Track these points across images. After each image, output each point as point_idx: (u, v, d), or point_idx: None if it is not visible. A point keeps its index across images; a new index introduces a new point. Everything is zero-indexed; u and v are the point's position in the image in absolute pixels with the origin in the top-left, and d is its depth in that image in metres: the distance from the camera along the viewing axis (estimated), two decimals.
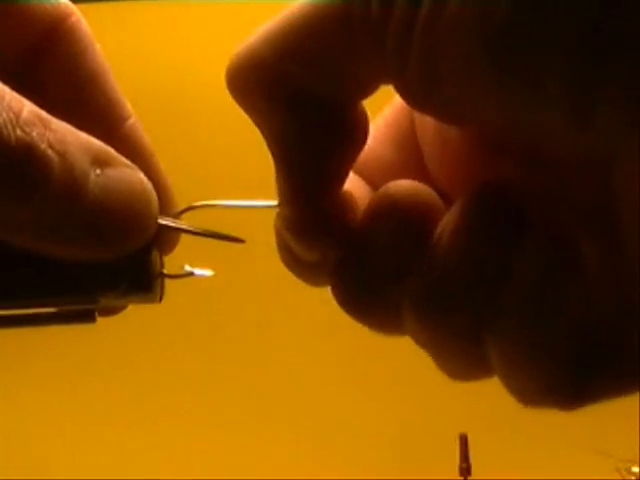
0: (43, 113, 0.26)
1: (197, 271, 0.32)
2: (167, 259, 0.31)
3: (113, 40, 1.13)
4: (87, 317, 0.30)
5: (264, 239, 1.16)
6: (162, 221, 0.29)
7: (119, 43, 1.30)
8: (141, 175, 0.28)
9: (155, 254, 0.30)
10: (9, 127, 0.24)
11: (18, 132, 0.25)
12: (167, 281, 0.30)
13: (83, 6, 0.33)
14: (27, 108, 0.25)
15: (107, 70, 0.32)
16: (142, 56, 1.33)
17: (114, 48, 0.39)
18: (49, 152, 0.25)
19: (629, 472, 1.10)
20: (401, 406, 1.28)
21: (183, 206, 0.32)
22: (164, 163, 0.32)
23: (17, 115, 0.25)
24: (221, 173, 1.30)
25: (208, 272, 0.32)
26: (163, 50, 1.34)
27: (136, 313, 0.34)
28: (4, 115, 0.24)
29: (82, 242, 0.27)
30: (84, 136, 0.27)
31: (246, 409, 1.29)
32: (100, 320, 0.30)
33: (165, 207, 0.30)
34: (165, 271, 0.30)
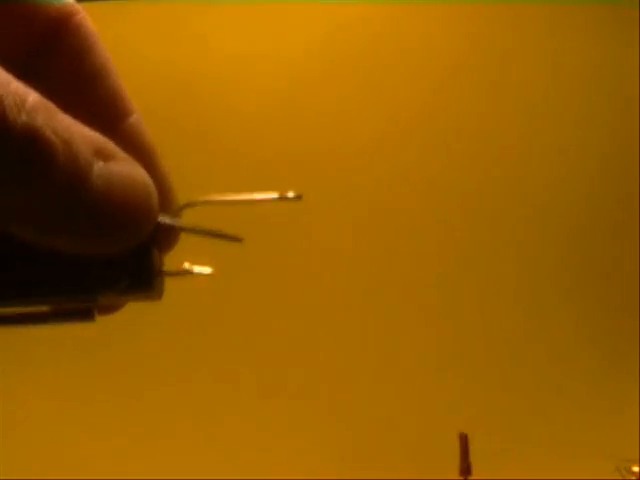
0: (48, 102, 0.26)
1: (196, 269, 0.32)
2: (166, 257, 0.31)
3: (117, 38, 1.13)
4: (86, 315, 0.30)
5: (264, 237, 1.15)
6: (162, 220, 0.29)
7: (123, 41, 1.30)
8: (142, 170, 0.28)
9: (155, 252, 0.30)
10: (15, 111, 0.24)
11: (23, 117, 0.24)
12: (167, 279, 0.30)
13: (87, 5, 0.33)
14: (33, 95, 0.25)
15: (111, 67, 0.32)
16: (145, 54, 1.33)
17: (118, 46, 0.39)
18: (53, 138, 0.25)
19: (629, 472, 1.10)
20: (401, 406, 1.28)
21: (184, 202, 0.32)
22: (166, 159, 0.32)
23: (23, 100, 0.25)
24: (221, 170, 1.30)
25: (207, 270, 0.32)
26: (165, 48, 1.34)
27: (136, 311, 0.34)
28: (10, 99, 0.24)
29: (83, 233, 0.27)
30: (87, 129, 0.27)
31: (245, 408, 1.29)
32: (99, 318, 0.30)
33: (165, 203, 0.30)
34: (165, 269, 0.30)
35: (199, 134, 1.32)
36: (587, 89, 1.34)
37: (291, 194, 0.31)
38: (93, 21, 0.32)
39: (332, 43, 1.35)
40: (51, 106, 0.26)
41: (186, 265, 0.31)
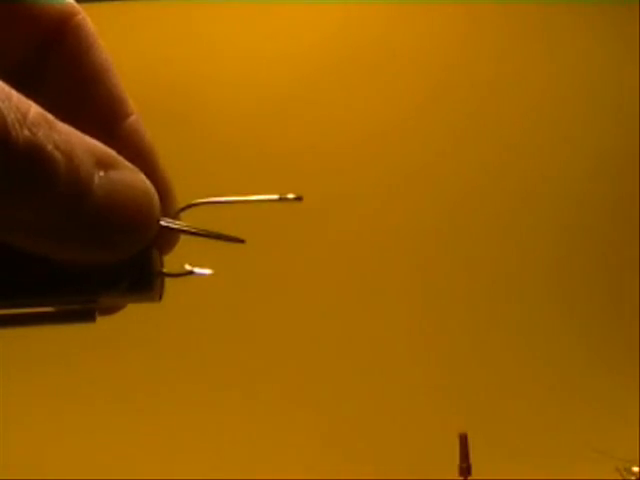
0: (49, 115, 0.26)
1: (197, 270, 0.32)
2: (167, 258, 0.31)
3: (116, 39, 1.13)
4: (87, 316, 0.30)
5: (265, 239, 1.15)
6: (163, 222, 0.29)
7: (122, 42, 1.30)
8: (143, 177, 0.29)
9: (155, 253, 0.30)
10: (17, 127, 0.24)
11: (25, 132, 0.25)
12: (167, 280, 0.30)
13: (86, 5, 0.33)
14: (34, 109, 0.25)
15: (110, 68, 0.32)
16: (145, 55, 1.33)
17: (117, 47, 0.39)
18: (55, 153, 0.25)
19: (629, 472, 1.10)
20: (401, 406, 1.28)
21: (184, 203, 0.32)
22: (166, 160, 0.32)
23: (24, 115, 0.25)
24: (221, 171, 1.30)
25: (208, 271, 0.32)
26: (165, 49, 1.34)
27: (136, 312, 0.34)
28: (12, 115, 0.24)
29: (85, 244, 0.27)
30: (87, 138, 0.27)
31: (245, 409, 1.29)
32: (100, 318, 0.30)
33: (165, 204, 0.30)
34: (165, 270, 0.30)
35: (199, 135, 1.32)
36: (586, 89, 1.34)
37: (291, 195, 0.31)
38: (93, 22, 0.32)
39: (333, 43, 1.35)
40: (51, 118, 0.26)
41: (186, 266, 0.31)
